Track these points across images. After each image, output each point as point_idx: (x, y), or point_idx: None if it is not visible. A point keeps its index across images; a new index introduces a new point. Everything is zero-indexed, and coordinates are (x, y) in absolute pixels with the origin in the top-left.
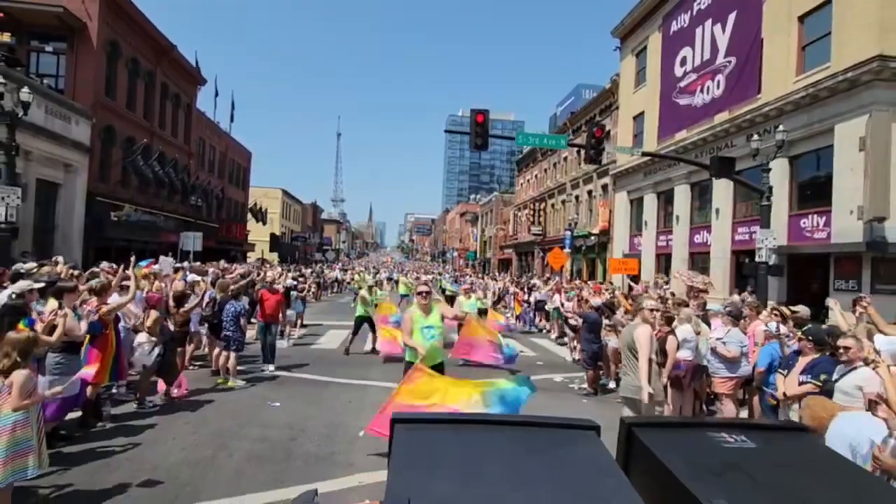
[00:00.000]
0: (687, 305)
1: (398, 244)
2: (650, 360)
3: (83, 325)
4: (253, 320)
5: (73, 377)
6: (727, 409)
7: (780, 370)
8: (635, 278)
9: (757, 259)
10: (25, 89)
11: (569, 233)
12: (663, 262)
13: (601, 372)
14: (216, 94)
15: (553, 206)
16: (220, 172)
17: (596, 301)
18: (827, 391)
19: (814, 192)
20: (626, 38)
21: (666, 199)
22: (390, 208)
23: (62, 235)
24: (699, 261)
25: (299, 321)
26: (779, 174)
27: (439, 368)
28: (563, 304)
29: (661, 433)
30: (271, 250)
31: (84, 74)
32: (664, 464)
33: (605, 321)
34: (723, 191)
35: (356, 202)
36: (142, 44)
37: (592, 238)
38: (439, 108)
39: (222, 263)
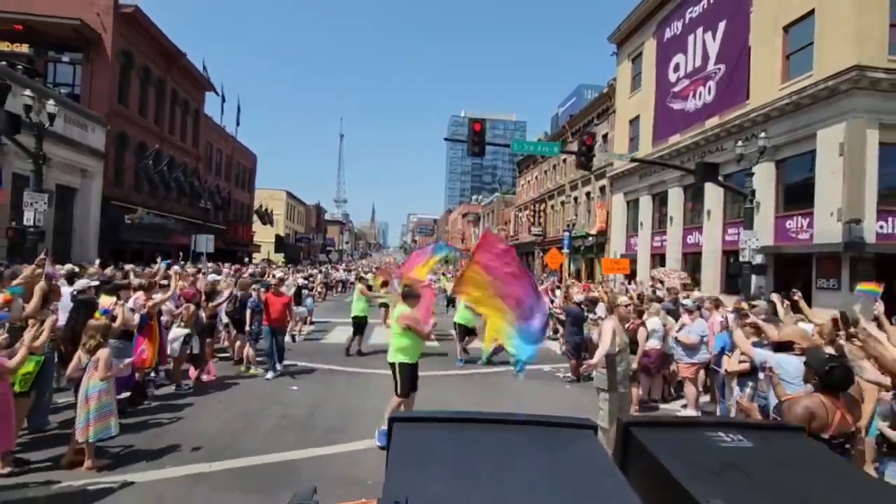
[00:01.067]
0: (660, 301)
1: (401, 244)
2: (619, 349)
3: (136, 317)
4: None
5: (128, 359)
6: (689, 392)
7: (727, 353)
8: (630, 277)
9: (741, 259)
10: (51, 102)
11: (567, 234)
12: (658, 261)
13: (584, 362)
14: (223, 100)
15: (553, 207)
16: (227, 175)
17: (578, 297)
18: (754, 367)
19: (798, 194)
20: (622, 44)
21: (660, 200)
22: (393, 209)
23: (79, 238)
24: (692, 260)
25: (309, 318)
26: (766, 177)
27: (415, 367)
28: (552, 302)
29: (659, 432)
30: (277, 251)
31: (99, 83)
32: (661, 463)
33: (590, 315)
34: (714, 193)
35: (358, 202)
36: (153, 52)
37: (590, 239)
38: (441, 109)
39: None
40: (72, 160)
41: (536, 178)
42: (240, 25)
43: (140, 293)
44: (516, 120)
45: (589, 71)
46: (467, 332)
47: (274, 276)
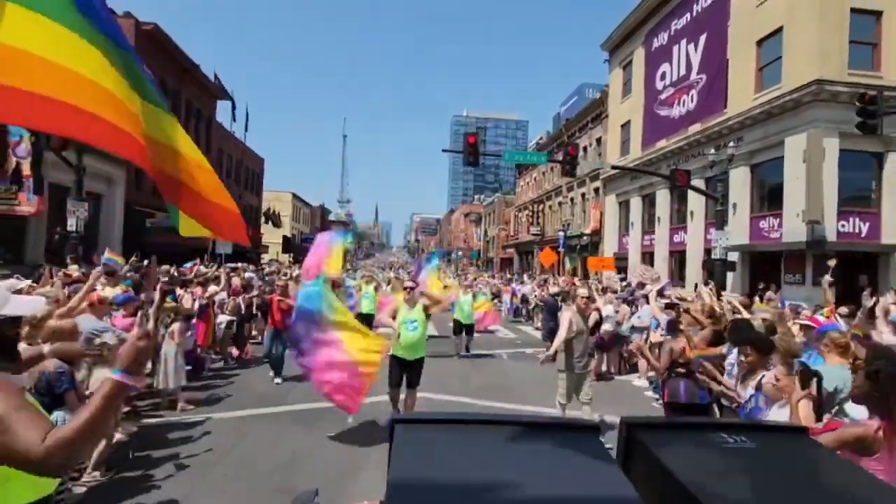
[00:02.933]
0: (616, 292)
1: (404, 244)
2: (580, 333)
3: (196, 305)
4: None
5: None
6: (641, 364)
7: (654, 330)
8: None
9: (713, 257)
10: None
11: (562, 233)
12: (648, 259)
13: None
14: (234, 108)
15: (550, 207)
16: (237, 179)
17: (553, 289)
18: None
19: (770, 197)
20: (614, 52)
21: (649, 202)
22: (396, 208)
23: (105, 241)
24: (678, 258)
25: None
26: (743, 181)
27: (419, 364)
28: (535, 295)
29: (661, 434)
30: (284, 251)
31: None
32: (664, 464)
33: (563, 305)
34: (696, 195)
35: (361, 202)
36: (170, 66)
37: (585, 238)
38: (444, 108)
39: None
40: (99, 169)
41: (535, 179)
42: (239, 26)
43: (198, 287)
44: (518, 119)
45: (591, 70)
46: (464, 328)
47: (284, 275)
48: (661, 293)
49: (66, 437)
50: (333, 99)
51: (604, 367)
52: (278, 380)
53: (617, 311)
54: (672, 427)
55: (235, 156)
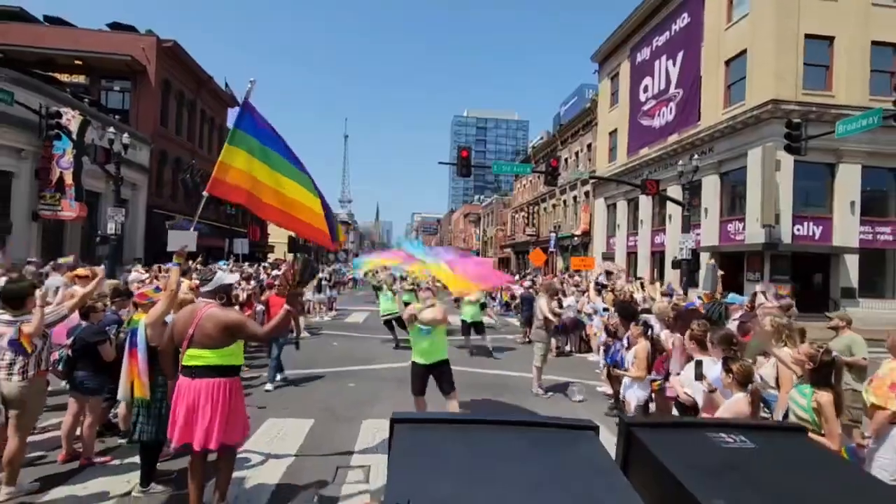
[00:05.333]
0: (577, 286)
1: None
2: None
3: (243, 294)
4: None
5: None
6: (594, 344)
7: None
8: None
9: (678, 257)
10: (125, 135)
11: (553, 234)
12: (633, 260)
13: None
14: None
15: (545, 209)
16: None
17: (527, 283)
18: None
19: (736, 203)
20: (602, 63)
21: (634, 205)
22: (397, 208)
23: (129, 243)
24: (658, 259)
25: (332, 304)
26: (714, 188)
27: (443, 365)
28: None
29: (661, 433)
30: (289, 251)
31: (145, 108)
32: (663, 464)
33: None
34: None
35: (362, 202)
36: (187, 78)
37: (576, 239)
38: (444, 108)
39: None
40: (126, 177)
41: (530, 181)
42: (238, 25)
43: (244, 282)
44: (518, 119)
45: (591, 71)
46: (472, 327)
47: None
48: (607, 272)
49: (270, 327)
50: (333, 99)
51: (567, 348)
52: (268, 386)
53: (577, 301)
54: (671, 427)
55: None
